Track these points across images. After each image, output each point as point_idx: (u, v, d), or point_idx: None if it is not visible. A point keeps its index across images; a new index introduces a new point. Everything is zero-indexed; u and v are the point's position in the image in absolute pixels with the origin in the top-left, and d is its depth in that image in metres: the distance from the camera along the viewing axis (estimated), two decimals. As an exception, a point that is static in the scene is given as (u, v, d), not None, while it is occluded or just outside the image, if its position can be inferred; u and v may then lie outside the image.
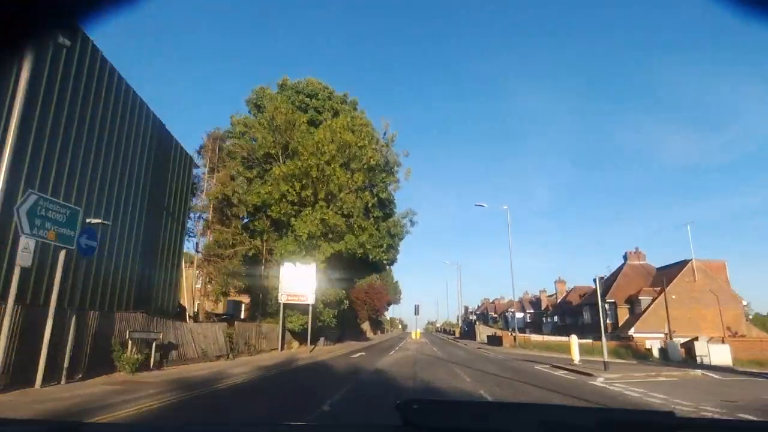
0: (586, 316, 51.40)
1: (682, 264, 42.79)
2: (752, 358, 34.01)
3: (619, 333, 43.55)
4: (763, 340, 35.02)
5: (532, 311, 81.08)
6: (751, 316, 43.61)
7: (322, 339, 34.69)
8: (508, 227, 42.70)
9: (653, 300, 42.36)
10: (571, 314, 63.66)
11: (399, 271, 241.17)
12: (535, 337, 41.66)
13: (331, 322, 31.53)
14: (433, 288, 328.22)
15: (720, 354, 33.27)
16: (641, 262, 49.04)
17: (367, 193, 25.49)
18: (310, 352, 25.00)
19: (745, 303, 40.72)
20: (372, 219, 28.97)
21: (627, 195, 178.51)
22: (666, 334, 40.83)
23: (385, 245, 28.61)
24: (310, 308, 25.73)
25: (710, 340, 35.11)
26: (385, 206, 29.44)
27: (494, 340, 45.13)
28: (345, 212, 25.39)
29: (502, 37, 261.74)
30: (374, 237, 28.31)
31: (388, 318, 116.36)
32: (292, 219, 25.70)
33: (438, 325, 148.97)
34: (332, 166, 25.46)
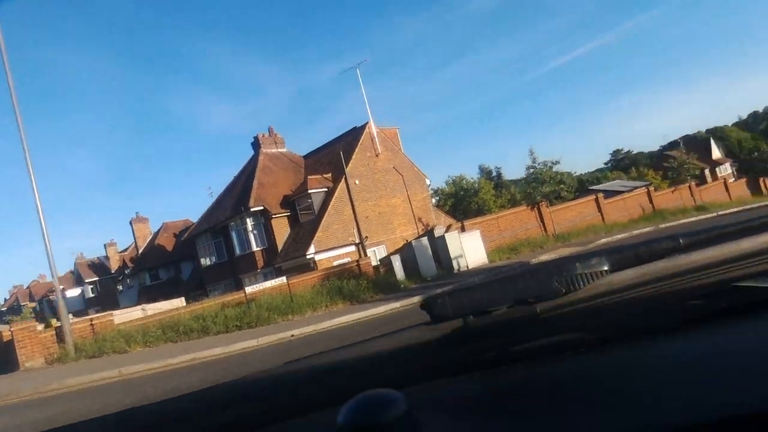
0: (208, 258, 29.21)
1: (355, 134, 27.06)
2: (498, 246, 21.87)
3: (281, 262, 24.07)
4: (501, 216, 23.59)
5: (96, 278, 51.13)
6: (434, 200, 33.45)
7: None
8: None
9: (328, 195, 24.92)
10: (169, 265, 39.76)
11: None
12: (121, 316, 16.15)
13: None
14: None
15: (474, 250, 19.10)
16: (282, 150, 30.69)
17: None
18: None
19: (428, 183, 29.60)
20: None
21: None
22: (357, 243, 24.23)
23: None
24: None
25: (449, 229, 20.67)
26: None
27: None
28: None
29: None
30: None
31: None
32: None
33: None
34: None
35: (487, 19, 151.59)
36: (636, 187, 31.57)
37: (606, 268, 0.79)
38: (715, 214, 25.54)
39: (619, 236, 21.36)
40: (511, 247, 21.00)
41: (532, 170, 25.33)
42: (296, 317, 13.09)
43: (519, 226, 22.96)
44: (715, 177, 47.79)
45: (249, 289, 14.03)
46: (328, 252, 23.04)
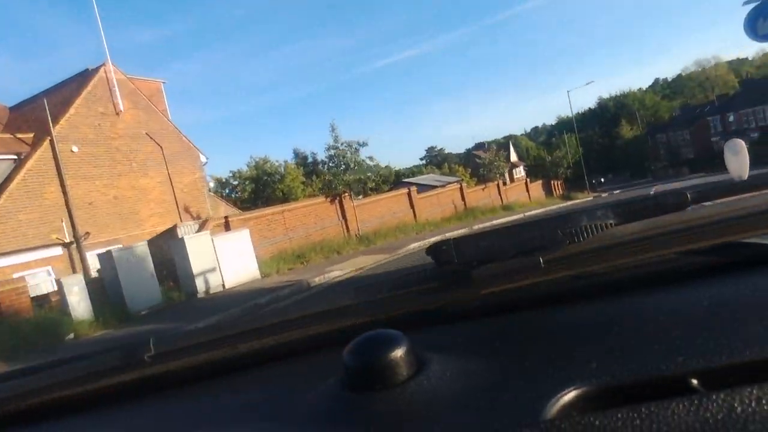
0: None
1: (81, 80, 18.00)
2: (282, 250, 15.89)
3: None
4: (288, 209, 17.48)
5: None
6: (212, 184, 25.60)
7: None
8: None
9: (18, 166, 15.67)
10: None
11: None
12: None
13: None
14: None
15: (239, 260, 12.90)
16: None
17: None
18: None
19: (204, 160, 21.90)
20: None
21: None
22: (69, 243, 15.84)
23: None
24: None
25: (203, 227, 13.89)
26: None
27: None
28: None
29: None
30: None
31: None
32: None
33: None
34: None
35: (322, 7, 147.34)
36: (449, 183, 29.33)
37: (612, 221, 0.81)
38: (522, 215, 24.15)
39: (431, 239, 17.59)
40: (298, 253, 15.33)
41: (333, 152, 20.15)
42: None
43: (314, 223, 17.50)
44: (512, 178, 51.02)
45: None
46: (8, 258, 14.13)
